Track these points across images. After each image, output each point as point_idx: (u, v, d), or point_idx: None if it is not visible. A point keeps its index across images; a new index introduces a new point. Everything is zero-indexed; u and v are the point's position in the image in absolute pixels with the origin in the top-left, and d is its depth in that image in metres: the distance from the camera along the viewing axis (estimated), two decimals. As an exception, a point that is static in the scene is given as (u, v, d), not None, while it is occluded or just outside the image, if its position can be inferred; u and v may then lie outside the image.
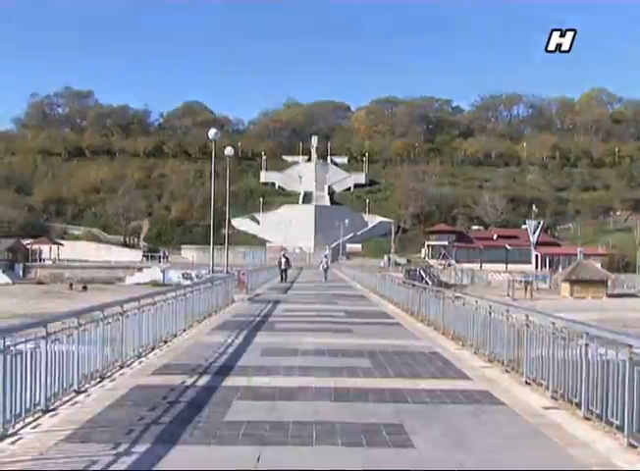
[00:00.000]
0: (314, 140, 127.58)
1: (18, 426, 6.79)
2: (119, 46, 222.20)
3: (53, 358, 7.73)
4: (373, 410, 7.80)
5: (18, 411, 6.83)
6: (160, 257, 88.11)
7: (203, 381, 9.41)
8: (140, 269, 75.70)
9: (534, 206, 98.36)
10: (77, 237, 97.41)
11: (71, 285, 63.37)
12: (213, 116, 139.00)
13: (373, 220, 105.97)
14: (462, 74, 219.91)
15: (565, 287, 61.40)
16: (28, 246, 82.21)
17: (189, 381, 9.34)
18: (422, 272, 70.14)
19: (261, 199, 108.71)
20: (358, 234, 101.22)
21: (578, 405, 7.62)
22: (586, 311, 39.37)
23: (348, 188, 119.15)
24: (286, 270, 39.03)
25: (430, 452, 6.25)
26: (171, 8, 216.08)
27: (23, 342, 7.06)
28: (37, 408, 7.31)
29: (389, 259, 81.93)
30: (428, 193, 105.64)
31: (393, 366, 10.80)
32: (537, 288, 62.22)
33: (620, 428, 6.57)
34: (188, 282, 41.90)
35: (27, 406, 7.05)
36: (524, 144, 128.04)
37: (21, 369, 6.86)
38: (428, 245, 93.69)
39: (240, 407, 7.87)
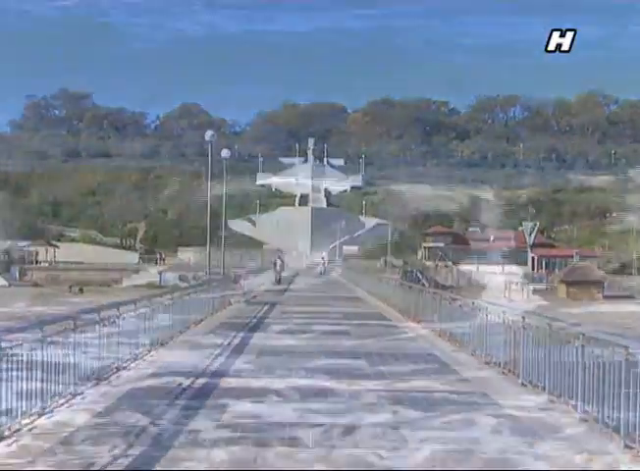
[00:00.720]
0: (311, 142, 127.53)
1: (14, 428, 6.77)
2: (117, 47, 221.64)
3: (49, 360, 7.72)
4: (369, 411, 7.79)
5: (14, 414, 6.82)
6: (157, 259, 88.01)
7: (200, 383, 9.41)
8: (137, 271, 75.58)
9: (530, 208, 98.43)
10: (73, 240, 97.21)
11: (70, 287, 63.18)
12: (209, 118, 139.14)
13: (369, 222, 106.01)
14: (459, 75, 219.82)
15: (562, 288, 61.42)
16: (25, 248, 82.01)
17: (186, 383, 9.34)
18: (419, 274, 70.13)
19: (258, 201, 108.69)
20: (355, 236, 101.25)
21: (574, 407, 7.64)
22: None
23: (345, 190, 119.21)
24: (281, 272, 39.22)
25: (427, 453, 6.25)
26: (169, 9, 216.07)
27: (19, 345, 7.05)
28: (33, 411, 7.28)
29: (385, 261, 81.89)
30: (424, 195, 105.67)
31: (389, 368, 10.80)
32: (534, 290, 62.18)
33: (617, 429, 6.58)
34: (185, 284, 41.84)
35: (24, 409, 7.03)
36: (521, 146, 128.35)
37: (17, 371, 6.85)
38: (424, 247, 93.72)
39: (237, 409, 7.86)
